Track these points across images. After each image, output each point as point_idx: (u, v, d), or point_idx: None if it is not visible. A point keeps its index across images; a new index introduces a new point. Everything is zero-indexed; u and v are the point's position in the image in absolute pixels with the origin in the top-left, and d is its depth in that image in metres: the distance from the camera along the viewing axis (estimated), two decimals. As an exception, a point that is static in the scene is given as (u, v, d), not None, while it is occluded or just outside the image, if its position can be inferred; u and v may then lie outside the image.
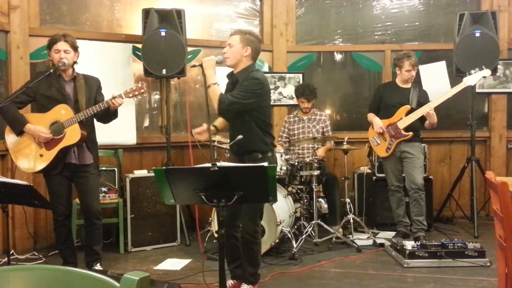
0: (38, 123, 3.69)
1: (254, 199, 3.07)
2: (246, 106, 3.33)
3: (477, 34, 5.13)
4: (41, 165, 3.71)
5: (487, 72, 4.72)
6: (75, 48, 3.77)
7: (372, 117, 4.92)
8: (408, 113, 4.73)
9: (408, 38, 6.15)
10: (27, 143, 3.73)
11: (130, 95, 3.75)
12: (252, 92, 3.32)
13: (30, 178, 4.36)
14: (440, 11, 6.15)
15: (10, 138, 3.77)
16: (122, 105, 3.77)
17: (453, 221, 5.61)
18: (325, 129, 5.40)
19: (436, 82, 5.55)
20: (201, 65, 3.30)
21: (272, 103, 5.97)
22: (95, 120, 3.90)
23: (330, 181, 5.17)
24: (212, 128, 3.54)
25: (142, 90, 3.77)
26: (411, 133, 4.70)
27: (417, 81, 4.98)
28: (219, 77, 3.42)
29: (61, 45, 3.70)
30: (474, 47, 5.12)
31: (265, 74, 3.52)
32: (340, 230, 4.86)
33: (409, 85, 4.85)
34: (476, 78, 4.71)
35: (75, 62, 3.79)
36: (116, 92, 3.72)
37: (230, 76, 3.51)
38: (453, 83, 5.40)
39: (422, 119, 4.74)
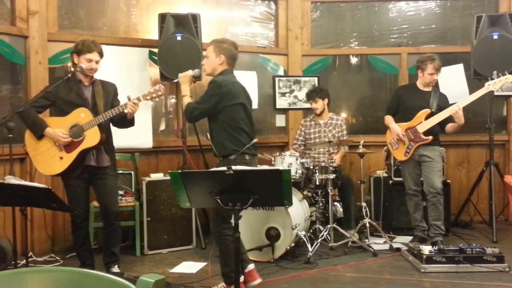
0: (58, 127, 3.74)
1: (269, 203, 3.07)
2: (208, 110, 3.50)
3: (495, 37, 5.07)
4: (61, 167, 3.75)
5: (510, 77, 4.64)
6: (102, 57, 3.85)
7: (389, 121, 4.88)
8: (428, 117, 4.68)
9: (425, 41, 6.10)
10: (47, 146, 3.78)
11: (148, 97, 3.79)
12: (210, 95, 3.48)
13: (48, 181, 4.42)
14: (457, 14, 6.09)
15: (30, 141, 3.82)
16: (138, 109, 3.80)
17: (471, 225, 5.53)
18: (340, 134, 5.38)
19: (454, 85, 5.49)
20: (177, 81, 3.63)
21: (287, 106, 6.00)
22: (111, 125, 3.95)
23: (345, 185, 5.15)
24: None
25: (160, 93, 3.80)
26: (430, 137, 4.66)
27: (435, 84, 4.93)
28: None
29: (95, 56, 3.78)
30: (492, 49, 5.06)
31: (227, 79, 3.53)
32: (356, 234, 4.82)
33: (429, 89, 4.81)
34: (499, 83, 4.64)
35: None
36: (133, 96, 3.76)
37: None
38: (470, 86, 5.35)
39: (442, 123, 4.68)
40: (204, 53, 3.90)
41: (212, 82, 3.52)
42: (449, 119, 4.64)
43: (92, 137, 3.71)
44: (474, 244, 4.24)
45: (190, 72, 3.68)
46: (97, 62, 3.80)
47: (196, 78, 3.71)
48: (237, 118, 3.51)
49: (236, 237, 2.76)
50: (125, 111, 3.74)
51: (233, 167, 2.69)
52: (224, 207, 2.71)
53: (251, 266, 3.62)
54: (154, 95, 3.80)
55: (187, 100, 3.59)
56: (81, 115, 3.72)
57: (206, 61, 3.61)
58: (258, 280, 3.61)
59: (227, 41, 3.68)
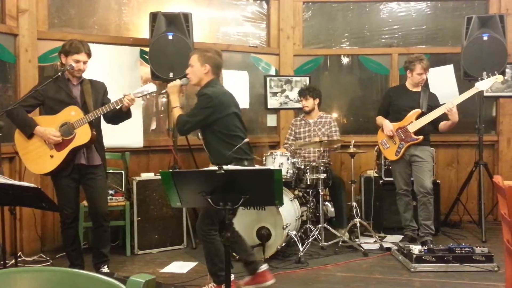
0: (48, 125, 3.71)
1: (260, 202, 3.07)
2: (200, 122, 3.50)
3: (485, 38, 5.11)
4: (51, 166, 3.73)
5: (499, 77, 4.69)
6: (90, 57, 3.83)
7: (381, 120, 4.91)
8: (419, 117, 4.71)
9: (416, 42, 6.14)
10: (37, 145, 3.76)
11: (139, 95, 3.79)
12: (201, 108, 3.48)
13: (37, 180, 4.39)
14: (447, 15, 6.13)
15: (20, 141, 3.79)
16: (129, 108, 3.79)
17: (460, 225, 5.58)
18: (328, 132, 5.36)
19: (444, 85, 5.53)
20: (166, 92, 3.61)
21: (278, 106, 6.01)
22: (103, 122, 3.93)
23: (336, 184, 5.16)
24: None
25: (151, 90, 3.81)
26: (421, 137, 4.69)
27: (425, 84, 4.96)
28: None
29: (82, 57, 3.76)
30: (482, 50, 5.10)
31: (217, 90, 3.54)
32: (347, 234, 4.84)
33: (419, 89, 4.84)
34: (489, 83, 4.68)
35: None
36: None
37: (197, 93, 3.64)
38: (460, 87, 5.38)
39: (435, 122, 4.71)
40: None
41: (202, 94, 3.51)
42: (442, 118, 4.67)
43: (82, 135, 3.69)
44: (463, 244, 4.28)
45: (178, 82, 3.67)
46: (84, 63, 3.78)
47: (185, 86, 3.72)
48: (231, 127, 3.53)
49: (226, 237, 2.75)
50: (117, 107, 3.72)
51: (224, 167, 2.69)
52: (215, 207, 2.71)
53: (264, 267, 3.59)
54: (145, 93, 3.80)
55: (177, 112, 3.58)
56: (72, 113, 3.70)
57: (191, 70, 3.59)
58: (270, 281, 3.57)
59: (211, 49, 3.68)
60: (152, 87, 3.81)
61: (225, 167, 2.72)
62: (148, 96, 3.91)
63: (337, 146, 5.36)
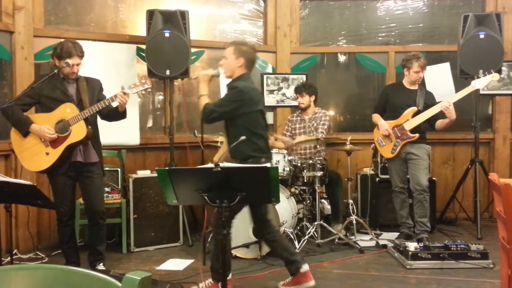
0: (44, 123, 3.70)
1: (256, 200, 3.07)
2: (226, 114, 3.48)
3: (482, 36, 5.12)
4: (47, 163, 3.72)
5: (496, 76, 4.70)
6: (83, 57, 3.80)
7: (377, 118, 4.91)
8: (415, 114, 4.72)
9: (412, 40, 6.14)
10: (32, 143, 3.75)
11: (134, 90, 3.78)
12: (230, 101, 3.46)
13: (33, 178, 4.37)
14: (444, 13, 6.14)
15: (16, 139, 3.78)
16: (126, 105, 3.78)
17: (456, 222, 5.59)
18: (315, 124, 5.28)
19: (440, 83, 5.54)
20: (196, 78, 3.61)
21: (275, 104, 6.01)
22: (99, 119, 3.92)
23: (333, 179, 5.17)
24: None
25: (146, 85, 3.80)
26: (417, 135, 4.70)
27: (421, 82, 4.97)
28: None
29: (75, 60, 3.72)
30: (478, 48, 5.11)
31: (248, 85, 3.53)
32: (343, 231, 4.85)
33: (416, 87, 4.85)
34: (485, 82, 4.68)
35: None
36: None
37: (227, 85, 3.63)
38: (457, 85, 5.39)
39: (431, 120, 4.72)
40: (190, 51, 3.87)
41: (233, 87, 3.48)
42: (438, 116, 4.68)
43: (78, 132, 3.68)
44: (459, 241, 4.29)
45: (210, 72, 3.65)
46: (78, 65, 3.76)
47: (216, 77, 3.68)
48: (256, 125, 3.53)
49: (224, 234, 2.76)
50: (113, 104, 3.71)
51: (221, 164, 2.69)
52: (211, 204, 2.71)
53: (306, 267, 3.56)
54: (140, 88, 3.78)
55: (205, 100, 3.54)
56: (67, 110, 3.69)
57: (225, 62, 3.56)
58: (312, 282, 3.55)
59: (247, 44, 3.70)
60: (147, 83, 3.79)
61: (221, 164, 2.73)
62: (143, 92, 3.88)
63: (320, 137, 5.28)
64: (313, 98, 5.38)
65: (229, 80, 3.61)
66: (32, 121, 3.72)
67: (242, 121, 3.48)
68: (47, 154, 3.72)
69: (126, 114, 3.88)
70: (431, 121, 4.73)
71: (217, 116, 3.51)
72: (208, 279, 3.62)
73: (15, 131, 3.77)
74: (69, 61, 3.68)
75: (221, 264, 3.43)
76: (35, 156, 3.74)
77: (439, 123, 4.71)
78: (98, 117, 3.92)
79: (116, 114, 3.83)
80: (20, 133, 3.74)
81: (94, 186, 3.86)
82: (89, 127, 3.72)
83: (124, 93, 3.69)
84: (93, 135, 3.80)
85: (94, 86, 3.89)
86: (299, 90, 5.41)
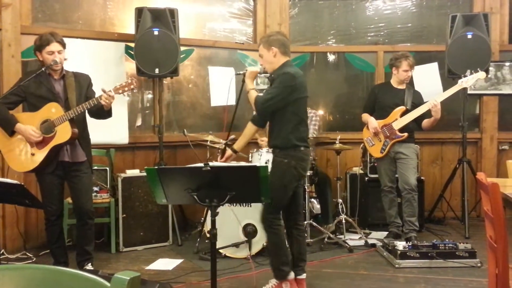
0: (29, 122, 3.66)
1: (246, 199, 3.07)
2: (281, 100, 3.40)
3: (469, 36, 5.16)
4: (33, 164, 3.69)
5: (482, 74, 4.75)
6: (64, 46, 3.76)
7: (367, 117, 4.93)
8: (403, 114, 4.75)
9: (401, 39, 6.18)
10: (18, 143, 3.71)
11: (120, 91, 3.71)
12: (284, 86, 3.40)
13: (21, 177, 4.33)
14: (432, 13, 6.18)
15: (2, 138, 3.74)
16: (114, 104, 3.74)
17: (444, 221, 5.64)
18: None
19: (428, 83, 5.58)
20: (244, 73, 3.63)
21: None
22: (88, 117, 3.88)
23: (322, 180, 5.18)
24: (230, 152, 3.68)
25: (132, 86, 3.73)
26: (406, 134, 4.72)
27: (409, 82, 5.00)
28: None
29: (55, 46, 3.68)
30: (466, 48, 5.15)
31: (297, 70, 3.55)
32: (333, 228, 4.86)
33: (404, 86, 4.88)
34: (472, 80, 4.73)
35: (64, 59, 3.77)
36: (107, 89, 3.69)
37: (270, 77, 3.61)
38: (445, 85, 5.43)
39: (418, 120, 4.75)
40: (181, 48, 3.83)
41: (284, 73, 3.43)
42: (425, 115, 4.71)
43: (63, 133, 3.64)
44: (447, 240, 4.32)
45: (257, 68, 3.66)
46: (59, 52, 3.69)
47: (260, 74, 3.71)
48: (303, 111, 3.53)
49: (213, 233, 2.75)
50: (97, 103, 3.66)
51: (210, 164, 2.69)
52: (201, 204, 2.70)
53: (303, 276, 3.59)
54: (126, 89, 3.73)
55: (254, 93, 3.53)
56: (52, 110, 3.65)
57: (263, 60, 3.56)
58: None
59: (273, 32, 3.71)
60: (133, 84, 3.74)
61: (211, 163, 2.72)
62: (129, 93, 3.82)
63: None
64: None
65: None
66: (18, 120, 3.68)
67: (292, 108, 3.43)
68: (33, 154, 3.68)
69: (112, 113, 3.83)
70: (418, 120, 4.77)
71: (272, 103, 3.41)
72: (272, 280, 3.57)
73: (0, 130, 3.73)
74: (49, 48, 3.63)
75: (282, 260, 3.45)
76: (21, 156, 3.70)
77: (425, 122, 4.75)
78: (87, 115, 3.88)
79: (102, 113, 3.78)
80: (6, 132, 3.70)
81: (82, 185, 3.82)
82: (74, 128, 3.67)
83: (109, 95, 3.63)
84: (81, 133, 3.76)
85: (82, 83, 3.84)
86: None
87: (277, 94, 3.39)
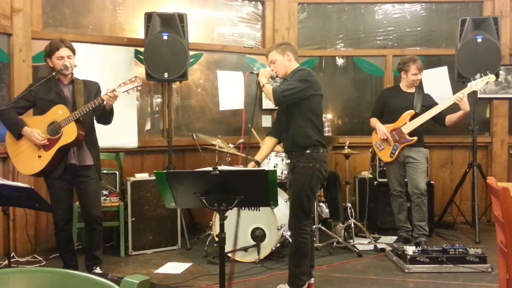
0: (37, 126, 3.69)
1: (255, 203, 3.07)
2: (300, 92, 3.41)
3: (479, 40, 5.13)
4: (39, 166, 3.71)
5: (492, 77, 4.72)
6: (74, 52, 3.79)
7: (375, 122, 4.92)
8: (412, 118, 4.73)
9: (410, 43, 6.16)
10: (25, 146, 3.74)
11: (124, 88, 3.72)
12: (302, 79, 3.43)
13: (31, 181, 4.36)
14: (442, 16, 6.16)
15: (10, 142, 3.78)
16: (124, 108, 3.77)
17: (454, 226, 5.60)
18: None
19: (438, 87, 5.54)
20: (257, 74, 3.62)
21: (273, 107, 5.98)
22: (95, 122, 3.90)
23: (331, 179, 5.18)
24: (253, 164, 3.64)
25: (136, 83, 3.74)
26: (415, 138, 4.70)
27: (419, 86, 4.98)
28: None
29: (64, 51, 3.72)
30: (476, 52, 5.12)
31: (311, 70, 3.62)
32: (342, 231, 4.84)
33: (413, 90, 4.86)
34: (482, 83, 4.70)
35: (75, 66, 3.81)
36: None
37: (282, 82, 3.62)
38: (454, 89, 5.40)
39: (438, 119, 4.73)
40: (190, 53, 3.82)
41: (301, 69, 3.51)
42: (444, 113, 4.69)
43: (69, 134, 3.66)
44: (457, 245, 4.29)
45: (271, 72, 3.64)
46: (69, 57, 3.73)
47: (273, 79, 3.69)
48: (319, 109, 3.54)
49: (221, 237, 2.75)
50: (101, 102, 3.66)
51: (219, 168, 2.69)
52: (209, 207, 2.70)
53: (311, 280, 3.61)
54: (130, 86, 3.73)
55: (270, 86, 3.52)
56: (59, 112, 3.68)
57: (276, 66, 3.58)
58: None
59: (283, 41, 3.81)
60: (137, 81, 3.74)
61: (219, 167, 2.72)
62: (135, 90, 3.82)
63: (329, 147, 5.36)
64: None
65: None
66: (25, 123, 3.71)
67: (307, 104, 3.44)
68: (39, 157, 3.71)
69: (113, 113, 3.82)
70: (439, 119, 4.74)
71: (291, 93, 3.39)
72: (282, 286, 3.56)
73: (9, 134, 3.77)
74: (58, 53, 3.67)
75: (303, 270, 3.44)
76: (28, 159, 3.73)
77: (449, 118, 4.71)
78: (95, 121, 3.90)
79: (104, 114, 3.78)
80: (13, 136, 3.74)
81: (90, 192, 3.83)
82: (81, 130, 3.69)
83: (113, 95, 3.64)
84: (88, 136, 3.78)
85: (91, 89, 3.86)
86: None
87: (296, 86, 3.42)
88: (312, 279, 3.62)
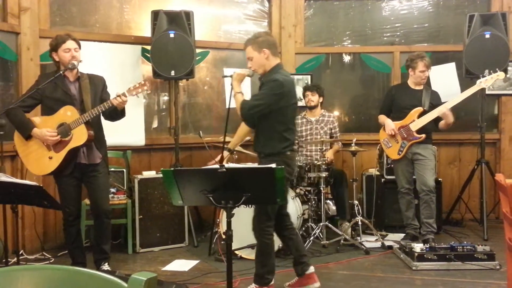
0: (45, 126, 3.71)
1: (262, 201, 3.07)
2: (267, 107, 3.38)
3: (487, 36, 5.10)
4: (51, 167, 3.74)
5: (502, 74, 4.68)
6: (80, 46, 3.81)
7: (383, 118, 4.90)
8: (421, 115, 4.70)
9: (417, 40, 6.12)
10: (35, 147, 3.75)
11: (134, 92, 3.74)
12: (272, 94, 3.36)
13: (39, 178, 4.39)
14: (449, 12, 6.12)
15: (19, 142, 3.80)
16: (131, 106, 3.78)
17: (462, 223, 5.57)
18: (333, 131, 5.40)
19: (446, 83, 5.52)
20: (231, 76, 3.53)
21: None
22: (103, 119, 3.92)
23: (338, 177, 5.17)
24: (228, 153, 3.65)
25: (145, 87, 3.75)
26: (423, 135, 4.68)
27: (427, 83, 4.96)
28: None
29: (71, 44, 3.73)
30: (484, 48, 5.08)
31: (287, 78, 3.48)
32: (349, 231, 4.84)
33: (421, 87, 4.83)
34: (491, 80, 4.66)
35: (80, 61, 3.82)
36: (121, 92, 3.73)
37: (260, 78, 3.57)
38: (462, 85, 5.37)
39: (436, 120, 4.71)
40: (197, 51, 3.82)
41: (273, 80, 3.38)
42: (438, 118, 4.68)
43: (79, 136, 3.68)
44: (465, 242, 4.27)
45: (245, 72, 3.57)
46: (76, 50, 3.74)
47: (250, 77, 3.65)
48: (290, 118, 3.50)
49: (229, 235, 2.75)
50: (111, 105, 3.68)
51: (226, 165, 2.69)
52: (216, 205, 2.71)
53: (311, 269, 3.62)
54: (139, 90, 3.75)
55: (241, 97, 3.48)
56: (68, 113, 3.69)
57: (252, 62, 3.48)
58: (317, 284, 3.60)
59: (260, 33, 3.63)
60: (146, 85, 3.75)
61: (226, 165, 2.72)
62: (143, 94, 3.83)
63: (340, 146, 5.40)
64: (321, 99, 5.41)
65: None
66: (34, 125, 3.73)
67: (277, 115, 3.40)
68: (50, 158, 3.73)
69: (125, 113, 3.86)
70: (437, 121, 4.72)
71: (258, 110, 3.38)
72: (252, 285, 3.57)
73: (18, 134, 3.78)
74: (65, 45, 3.68)
75: (268, 269, 3.45)
76: (38, 160, 3.75)
77: (441, 124, 4.72)
78: (102, 117, 3.92)
79: (115, 113, 3.82)
80: (22, 136, 3.75)
81: (99, 185, 3.86)
82: (90, 130, 3.72)
83: (123, 100, 3.65)
84: (96, 135, 3.80)
85: (97, 84, 3.87)
86: (310, 88, 5.41)
87: (265, 102, 3.37)
88: (311, 267, 3.61)
